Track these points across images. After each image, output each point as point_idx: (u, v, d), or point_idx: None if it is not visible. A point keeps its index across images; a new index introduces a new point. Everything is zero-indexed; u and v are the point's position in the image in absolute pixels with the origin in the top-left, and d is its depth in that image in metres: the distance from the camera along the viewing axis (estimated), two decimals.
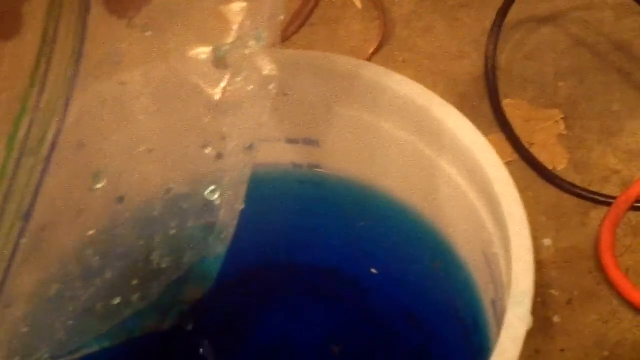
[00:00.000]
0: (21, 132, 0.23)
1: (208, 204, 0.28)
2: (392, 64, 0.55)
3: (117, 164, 0.28)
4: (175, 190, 0.28)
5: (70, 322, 0.28)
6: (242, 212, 0.28)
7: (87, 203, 0.28)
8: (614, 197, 0.46)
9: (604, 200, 0.47)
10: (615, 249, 0.44)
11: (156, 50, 0.27)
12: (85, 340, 0.28)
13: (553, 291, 0.44)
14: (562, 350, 0.41)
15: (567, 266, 0.45)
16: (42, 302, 0.28)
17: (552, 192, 0.48)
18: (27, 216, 0.24)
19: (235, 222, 0.28)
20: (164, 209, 0.28)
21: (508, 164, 0.49)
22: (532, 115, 0.52)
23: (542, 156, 0.49)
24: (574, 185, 0.48)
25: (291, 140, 0.36)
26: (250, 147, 0.27)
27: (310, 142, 0.36)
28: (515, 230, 0.27)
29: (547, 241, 0.46)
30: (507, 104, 0.52)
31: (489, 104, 0.52)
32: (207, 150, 0.28)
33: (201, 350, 0.35)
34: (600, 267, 0.44)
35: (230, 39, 0.26)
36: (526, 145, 0.50)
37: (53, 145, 0.24)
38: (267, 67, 0.26)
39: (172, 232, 0.28)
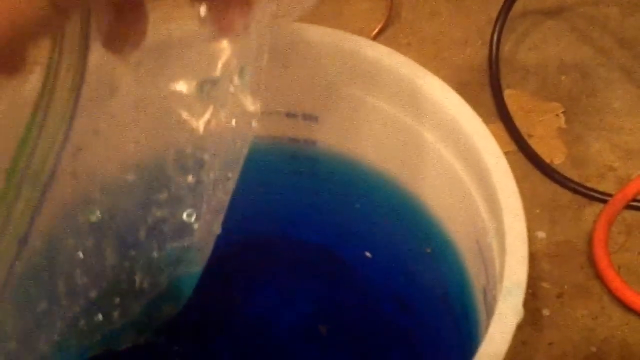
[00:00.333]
0: (22, 163, 0.25)
1: (186, 227, 0.29)
2: (397, 47, 0.54)
3: (109, 194, 0.30)
4: (156, 212, 0.30)
5: (56, 337, 0.29)
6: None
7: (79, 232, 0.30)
8: (610, 195, 0.46)
9: (600, 197, 0.47)
10: (608, 246, 0.44)
11: (148, 84, 0.29)
12: (67, 355, 0.30)
13: (544, 284, 0.43)
14: (550, 343, 0.41)
15: (560, 260, 0.44)
16: (32, 318, 0.29)
17: (548, 185, 0.48)
18: (23, 241, 0.25)
19: (211, 245, 0.29)
20: (147, 232, 0.30)
21: (506, 154, 0.48)
22: (532, 107, 0.52)
23: (541, 149, 0.49)
24: (570, 180, 0.47)
25: (291, 115, 0.35)
26: (229, 179, 0.28)
27: (309, 117, 0.35)
28: (512, 222, 0.27)
29: (540, 234, 0.45)
30: (508, 94, 0.52)
31: (490, 93, 0.52)
32: (189, 178, 0.29)
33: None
34: (592, 263, 0.44)
35: (216, 74, 0.28)
36: (525, 137, 0.50)
37: (52, 174, 0.25)
38: (250, 105, 0.28)
39: (154, 254, 0.30)
